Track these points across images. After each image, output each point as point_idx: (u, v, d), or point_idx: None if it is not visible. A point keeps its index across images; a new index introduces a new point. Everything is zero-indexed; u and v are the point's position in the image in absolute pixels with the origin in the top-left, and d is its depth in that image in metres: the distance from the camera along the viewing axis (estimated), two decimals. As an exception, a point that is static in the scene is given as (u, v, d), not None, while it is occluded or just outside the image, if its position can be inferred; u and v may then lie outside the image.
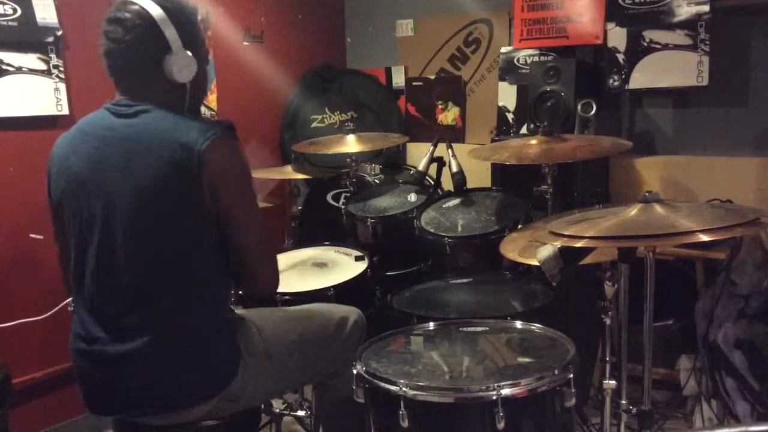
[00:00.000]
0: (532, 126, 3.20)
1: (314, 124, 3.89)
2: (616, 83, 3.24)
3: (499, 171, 3.23)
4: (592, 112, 3.04)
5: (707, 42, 3.01)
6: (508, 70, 3.58)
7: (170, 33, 1.68)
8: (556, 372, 1.64)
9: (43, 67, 2.79)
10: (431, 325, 2.02)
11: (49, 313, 2.72)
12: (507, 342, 1.93)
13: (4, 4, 2.65)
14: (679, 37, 3.07)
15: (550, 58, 3.40)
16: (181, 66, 1.71)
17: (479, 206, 2.82)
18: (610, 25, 3.24)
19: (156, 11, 1.68)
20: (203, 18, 3.42)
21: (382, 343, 1.91)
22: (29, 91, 2.76)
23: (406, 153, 3.91)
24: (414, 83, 4.02)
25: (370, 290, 2.67)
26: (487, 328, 1.98)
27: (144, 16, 1.68)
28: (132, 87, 1.74)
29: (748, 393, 2.53)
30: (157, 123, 1.69)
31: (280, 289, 2.10)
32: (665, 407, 2.89)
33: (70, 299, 1.85)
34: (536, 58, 3.48)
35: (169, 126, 1.68)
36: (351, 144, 3.06)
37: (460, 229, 2.69)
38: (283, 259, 2.71)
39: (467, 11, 3.80)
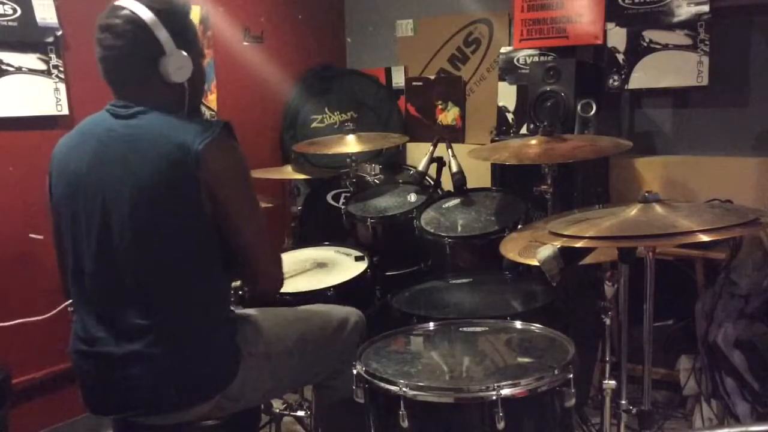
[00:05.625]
0: (532, 126, 3.20)
1: (314, 124, 3.88)
2: (616, 83, 3.24)
3: (499, 171, 3.23)
4: (592, 112, 3.04)
5: (707, 42, 3.01)
6: (508, 70, 3.59)
7: (162, 35, 1.68)
8: (556, 372, 1.64)
9: (42, 67, 2.79)
10: (431, 325, 2.02)
11: (49, 315, 2.73)
12: (507, 342, 1.93)
13: (4, 4, 2.65)
14: (678, 37, 3.07)
15: (549, 58, 3.41)
16: (176, 66, 1.72)
17: (479, 206, 2.82)
18: (610, 25, 3.24)
19: (146, 14, 1.67)
20: (204, 17, 3.42)
21: (382, 343, 1.91)
22: (29, 91, 2.76)
23: (406, 153, 3.92)
24: (414, 83, 4.02)
25: (370, 290, 2.67)
26: (487, 328, 1.97)
27: (134, 20, 1.68)
28: (129, 91, 1.74)
29: (748, 393, 2.53)
30: (155, 123, 1.69)
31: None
32: (665, 407, 2.89)
33: (69, 302, 1.84)
34: (536, 58, 3.48)
35: (167, 126, 1.69)
36: (351, 144, 3.06)
37: (460, 229, 2.69)
38: (283, 259, 2.71)
39: (467, 11, 3.80)
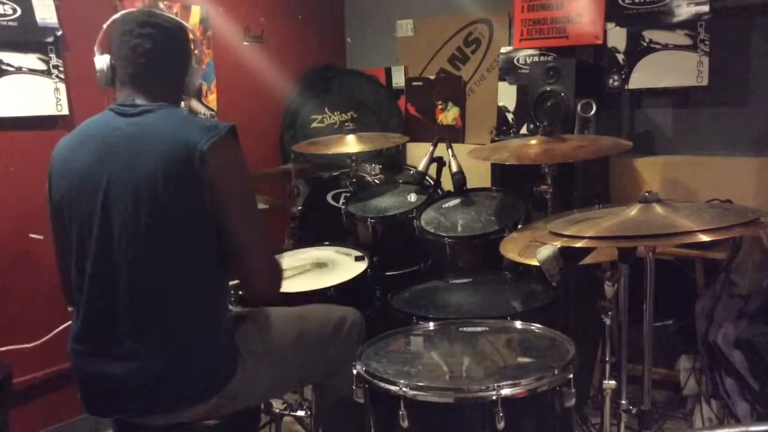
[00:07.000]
0: (532, 126, 3.20)
1: (314, 125, 3.88)
2: (616, 83, 3.24)
3: (499, 171, 3.22)
4: (592, 112, 3.04)
5: (707, 42, 3.01)
6: (508, 70, 3.59)
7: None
8: (556, 372, 1.64)
9: (42, 67, 2.79)
10: (431, 325, 2.02)
11: (43, 340, 2.74)
12: (507, 342, 1.93)
13: (4, 4, 2.65)
14: (678, 37, 3.07)
15: (550, 58, 3.41)
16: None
17: (479, 206, 2.82)
18: (610, 25, 3.24)
19: (188, 27, 1.85)
20: (204, 17, 3.42)
21: (382, 343, 1.91)
22: (29, 91, 2.76)
23: (406, 153, 3.91)
24: (414, 83, 4.02)
25: (370, 290, 2.67)
26: (487, 328, 1.98)
27: (182, 28, 1.83)
28: (150, 86, 1.78)
29: (748, 393, 2.53)
30: (161, 122, 1.71)
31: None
32: (665, 407, 2.89)
33: (69, 323, 1.85)
34: (536, 58, 3.48)
35: (173, 125, 1.70)
36: (351, 144, 3.06)
37: (460, 229, 2.69)
38: (283, 259, 2.71)
39: (467, 11, 3.80)
